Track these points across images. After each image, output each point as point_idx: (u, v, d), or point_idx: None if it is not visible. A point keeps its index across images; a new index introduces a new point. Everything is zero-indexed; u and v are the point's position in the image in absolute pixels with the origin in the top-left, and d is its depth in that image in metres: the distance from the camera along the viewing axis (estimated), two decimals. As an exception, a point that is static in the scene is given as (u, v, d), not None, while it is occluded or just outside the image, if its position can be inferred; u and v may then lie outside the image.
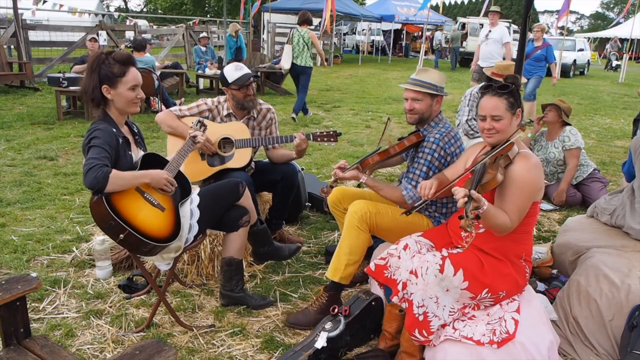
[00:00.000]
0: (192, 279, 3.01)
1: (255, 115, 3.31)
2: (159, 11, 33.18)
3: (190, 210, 2.49)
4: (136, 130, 2.50)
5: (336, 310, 2.39)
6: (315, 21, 15.85)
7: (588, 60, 21.16)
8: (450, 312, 2.12)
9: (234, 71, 3.16)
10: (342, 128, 7.53)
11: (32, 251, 3.27)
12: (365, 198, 2.82)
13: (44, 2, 12.64)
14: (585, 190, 4.49)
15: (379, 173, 5.19)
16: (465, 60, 20.28)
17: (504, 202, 2.09)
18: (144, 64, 7.72)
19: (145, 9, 39.90)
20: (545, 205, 4.43)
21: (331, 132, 3.15)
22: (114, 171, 2.12)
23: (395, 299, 2.17)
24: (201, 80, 10.84)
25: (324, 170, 5.34)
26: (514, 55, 5.96)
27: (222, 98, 3.31)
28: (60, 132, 6.55)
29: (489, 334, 2.07)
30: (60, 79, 7.25)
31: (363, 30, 25.82)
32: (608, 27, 35.73)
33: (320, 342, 2.22)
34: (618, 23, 29.36)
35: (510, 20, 23.23)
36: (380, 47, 24.51)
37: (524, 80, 7.26)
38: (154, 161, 2.39)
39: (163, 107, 7.67)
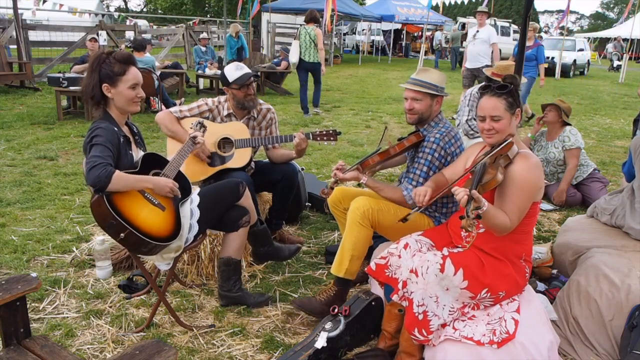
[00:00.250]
0: (192, 279, 3.01)
1: (256, 115, 3.32)
2: (159, 11, 33.19)
3: (191, 210, 2.49)
4: (136, 131, 2.51)
5: (336, 310, 2.39)
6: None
7: (588, 60, 21.15)
8: (450, 311, 2.12)
9: (234, 71, 3.16)
10: (342, 128, 7.53)
11: (32, 251, 3.27)
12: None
13: (44, 2, 12.64)
14: (585, 190, 4.49)
15: (379, 173, 5.19)
16: (465, 60, 20.26)
17: (504, 202, 2.09)
18: (144, 64, 7.71)
19: (145, 9, 39.91)
20: (545, 205, 4.43)
21: (331, 132, 3.15)
22: (117, 172, 2.13)
23: (395, 298, 2.17)
24: (201, 80, 10.85)
25: (324, 170, 5.34)
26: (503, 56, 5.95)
27: (222, 98, 3.31)
28: (60, 132, 6.55)
29: (489, 334, 2.07)
30: (60, 79, 7.25)
31: (363, 30, 25.79)
32: (611, 26, 35.73)
33: (320, 342, 2.22)
34: (620, 23, 29.39)
35: (510, 20, 23.24)
36: (380, 47, 24.48)
37: (524, 80, 7.27)
38: (154, 161, 2.40)
39: (163, 107, 7.67)
